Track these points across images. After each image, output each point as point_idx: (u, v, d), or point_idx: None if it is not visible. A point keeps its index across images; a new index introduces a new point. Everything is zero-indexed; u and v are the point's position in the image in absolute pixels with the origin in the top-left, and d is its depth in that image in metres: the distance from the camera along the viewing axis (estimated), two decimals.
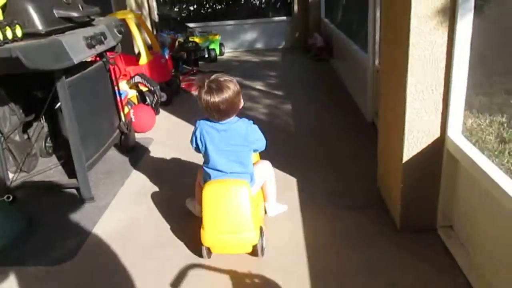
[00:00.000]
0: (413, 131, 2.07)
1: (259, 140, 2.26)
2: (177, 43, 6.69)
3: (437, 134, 2.07)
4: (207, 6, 8.93)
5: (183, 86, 5.54)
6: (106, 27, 3.07)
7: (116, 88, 3.41)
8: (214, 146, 2.16)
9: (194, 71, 6.28)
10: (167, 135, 3.93)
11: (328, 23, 6.89)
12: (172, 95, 4.98)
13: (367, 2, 3.66)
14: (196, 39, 7.00)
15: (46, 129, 3.48)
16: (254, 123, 2.24)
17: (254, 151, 2.29)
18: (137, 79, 4.23)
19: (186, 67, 6.71)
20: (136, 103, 4.31)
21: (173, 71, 5.88)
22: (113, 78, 3.37)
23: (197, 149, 2.27)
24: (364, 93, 3.90)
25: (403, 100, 2.03)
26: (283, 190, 2.65)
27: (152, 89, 4.18)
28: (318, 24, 7.60)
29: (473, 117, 3.59)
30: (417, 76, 1.96)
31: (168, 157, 3.43)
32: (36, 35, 2.45)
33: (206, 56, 7.28)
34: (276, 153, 3.33)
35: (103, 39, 2.89)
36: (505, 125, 3.42)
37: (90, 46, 2.71)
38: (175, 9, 8.94)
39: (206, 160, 2.22)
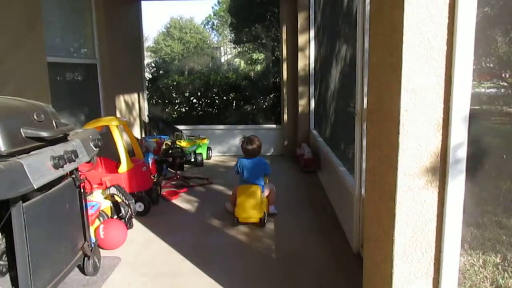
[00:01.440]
0: None
1: (268, 169, 4.59)
2: (163, 145, 6.61)
3: None
4: (199, 109, 9.04)
5: (164, 194, 5.33)
6: (80, 142, 2.92)
7: (84, 205, 3.17)
8: (246, 171, 4.47)
9: (178, 177, 6.11)
10: (137, 254, 3.62)
11: (316, 136, 6.90)
12: (151, 205, 4.75)
13: (354, 124, 3.59)
14: (184, 143, 6.94)
15: (2, 245, 3.17)
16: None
17: (265, 174, 4.61)
18: (112, 190, 4.02)
19: (170, 170, 6.58)
20: (110, 214, 4.06)
21: (155, 176, 5.72)
22: (83, 194, 3.16)
23: (237, 172, 4.60)
24: (351, 220, 3.69)
25: (389, 261, 1.82)
26: None
27: (127, 202, 3.95)
28: (307, 134, 7.64)
29: (465, 254, 3.36)
30: (405, 237, 1.76)
31: (133, 285, 3.10)
32: None
33: (193, 160, 7.19)
34: (253, 285, 3.04)
35: (73, 157, 2.71)
36: (500, 267, 3.19)
37: (57, 167, 2.52)
38: (166, 110, 9.04)
39: (241, 178, 4.53)
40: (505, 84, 2.58)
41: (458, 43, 1.60)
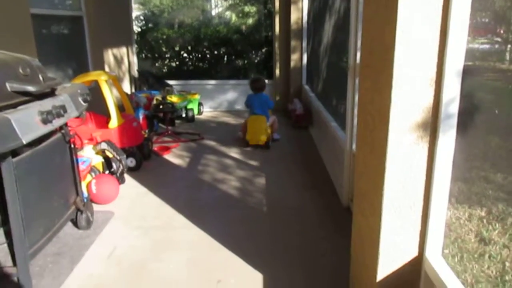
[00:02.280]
0: (388, 248, 1.86)
1: (270, 104, 5.77)
2: (154, 101, 6.54)
3: (414, 253, 1.87)
4: (189, 63, 8.88)
5: (155, 149, 5.33)
6: (69, 97, 2.87)
7: (75, 160, 3.16)
8: (253, 104, 5.66)
9: (169, 132, 6.08)
10: (129, 209, 3.66)
11: (308, 91, 6.86)
12: (142, 160, 4.75)
13: (347, 80, 3.56)
14: (174, 98, 6.87)
15: None
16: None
17: (268, 107, 5.73)
18: (103, 145, 4.00)
19: (162, 125, 6.55)
20: (101, 170, 4.06)
21: (147, 131, 5.70)
22: (73, 149, 3.14)
23: (246, 106, 5.91)
24: (341, 175, 3.73)
25: (378, 214, 1.85)
26: None
27: (118, 158, 3.95)
28: (299, 90, 7.59)
29: (451, 208, 3.43)
30: (394, 190, 1.79)
31: (126, 237, 3.15)
32: None
33: (184, 115, 7.14)
34: (245, 239, 3.10)
35: (62, 112, 2.67)
36: (485, 220, 3.27)
37: (46, 122, 2.49)
38: (156, 65, 8.87)
39: (250, 110, 5.74)
40: (500, 39, 2.54)
41: None
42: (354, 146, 3.47)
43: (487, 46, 2.63)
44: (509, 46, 2.46)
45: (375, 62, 1.90)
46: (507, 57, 2.53)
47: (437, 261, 1.80)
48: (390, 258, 1.88)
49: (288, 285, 2.57)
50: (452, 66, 1.62)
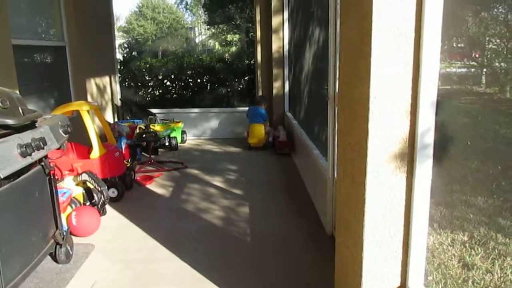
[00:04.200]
0: (371, 279, 1.87)
1: (264, 116, 7.11)
2: (137, 130, 6.52)
3: (397, 283, 1.88)
4: (173, 92, 8.92)
5: (138, 179, 5.28)
6: (49, 129, 2.86)
7: (55, 192, 3.11)
8: (251, 115, 7.18)
9: (152, 161, 6.05)
10: (111, 241, 3.59)
11: (291, 118, 6.93)
12: (124, 190, 4.70)
13: (327, 108, 3.61)
14: (157, 127, 6.86)
15: None
16: None
17: (263, 119, 7.12)
18: (84, 176, 3.95)
19: (145, 154, 6.51)
20: (82, 201, 4.00)
21: (129, 161, 5.65)
22: (53, 181, 3.09)
23: (247, 116, 7.30)
24: (324, 203, 3.74)
25: (360, 245, 1.85)
26: None
27: (99, 189, 3.90)
28: (282, 117, 7.66)
29: (434, 233, 3.45)
30: (375, 221, 1.80)
31: (107, 271, 3.08)
32: None
33: (167, 144, 7.12)
34: (228, 271, 3.06)
35: (42, 145, 2.65)
36: (467, 245, 3.30)
37: (25, 155, 2.47)
38: (139, 94, 8.89)
39: (249, 120, 7.17)
40: (475, 64, 2.62)
41: (425, 29, 1.61)
42: (336, 175, 3.50)
43: (463, 70, 2.71)
44: (484, 70, 2.54)
45: (352, 94, 1.94)
46: (483, 81, 2.61)
47: None
48: None
49: None
50: (426, 97, 1.67)
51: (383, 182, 1.76)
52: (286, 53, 7.42)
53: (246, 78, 8.90)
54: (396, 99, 1.69)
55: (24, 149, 2.45)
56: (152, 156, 6.25)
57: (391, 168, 1.75)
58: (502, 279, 2.64)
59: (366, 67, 1.69)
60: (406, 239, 1.83)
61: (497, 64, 2.42)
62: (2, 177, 2.22)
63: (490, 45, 2.42)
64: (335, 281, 2.44)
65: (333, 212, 3.53)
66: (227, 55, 9.49)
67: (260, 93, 8.10)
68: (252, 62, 8.81)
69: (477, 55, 2.59)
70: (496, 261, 2.77)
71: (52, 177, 3.07)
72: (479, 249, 3.05)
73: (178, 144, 7.31)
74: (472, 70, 2.69)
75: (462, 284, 2.82)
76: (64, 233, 3.18)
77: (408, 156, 1.75)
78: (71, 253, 3.23)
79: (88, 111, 4.48)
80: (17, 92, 2.91)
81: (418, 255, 1.83)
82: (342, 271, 2.28)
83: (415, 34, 1.65)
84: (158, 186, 5.16)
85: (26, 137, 2.56)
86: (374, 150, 1.73)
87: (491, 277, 2.72)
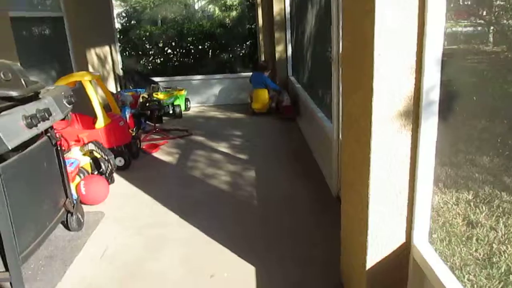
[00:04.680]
0: (377, 236, 1.90)
1: (267, 81, 7.05)
2: (140, 99, 6.51)
3: (402, 240, 1.91)
4: (174, 59, 8.84)
5: (144, 147, 5.32)
6: (53, 100, 2.85)
7: (63, 163, 3.15)
8: (253, 81, 7.20)
9: (157, 130, 6.07)
10: (120, 208, 3.65)
11: (294, 82, 6.88)
12: (131, 159, 4.74)
13: (331, 70, 3.58)
14: (161, 96, 6.84)
15: None
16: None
17: (268, 86, 7.08)
18: (91, 146, 3.98)
19: (149, 123, 6.52)
20: (90, 170, 4.05)
21: (134, 130, 5.67)
22: (61, 152, 3.12)
23: (250, 81, 7.26)
24: (329, 165, 3.76)
25: (365, 203, 1.88)
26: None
27: (106, 158, 3.93)
28: (286, 81, 7.60)
29: (439, 192, 3.48)
30: (380, 179, 1.81)
31: (118, 237, 3.15)
32: None
33: (171, 112, 7.12)
34: (236, 233, 3.12)
35: (47, 115, 2.66)
36: (472, 204, 3.32)
37: (31, 126, 2.48)
38: (141, 63, 8.81)
39: (252, 85, 7.21)
40: (482, 22, 2.57)
41: None
42: (341, 136, 3.50)
43: (470, 29, 2.65)
44: (491, 28, 2.48)
45: (356, 52, 1.92)
46: (490, 39, 2.56)
47: (424, 247, 1.83)
48: (379, 246, 1.91)
49: (281, 276, 2.60)
50: (431, 53, 1.64)
51: (388, 141, 1.76)
52: (288, 15, 7.28)
53: (247, 43, 8.79)
54: (401, 55, 1.67)
55: (30, 120, 2.45)
56: (157, 124, 6.26)
57: (396, 126, 1.75)
58: (506, 236, 2.66)
59: (370, 23, 1.66)
60: (411, 196, 1.85)
61: (505, 21, 2.37)
62: (10, 148, 2.24)
63: (498, 1, 2.36)
64: (341, 240, 2.48)
65: (339, 174, 3.56)
66: (227, 20, 9.29)
67: (262, 58, 8.01)
68: (253, 26, 8.67)
69: (484, 13, 2.53)
70: (500, 219, 2.79)
71: (59, 147, 3.09)
72: (484, 207, 3.07)
73: (182, 112, 7.31)
74: (479, 28, 2.63)
75: (466, 241, 2.87)
76: (74, 202, 3.24)
77: (413, 114, 1.74)
78: (82, 221, 3.30)
79: (90, 81, 4.46)
80: (18, 64, 2.89)
81: (423, 212, 1.84)
82: (348, 230, 2.32)
83: None
84: (164, 153, 5.19)
85: (31, 108, 2.56)
86: (379, 108, 1.72)
87: (495, 234, 2.75)
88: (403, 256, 1.92)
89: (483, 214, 2.99)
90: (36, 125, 2.53)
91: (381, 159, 1.78)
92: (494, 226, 2.80)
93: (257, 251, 2.87)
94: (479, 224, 2.96)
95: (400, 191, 1.84)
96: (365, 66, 1.79)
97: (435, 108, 1.71)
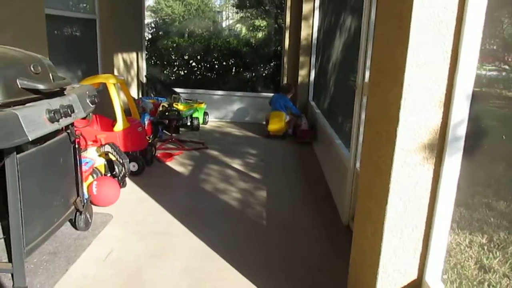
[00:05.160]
0: (388, 270, 1.85)
1: (288, 104, 7.01)
2: (160, 107, 6.56)
3: (414, 276, 1.86)
4: (198, 73, 8.93)
5: (158, 155, 5.33)
6: (77, 98, 2.88)
7: (78, 161, 3.16)
8: (274, 102, 7.08)
9: (173, 139, 6.09)
10: (129, 213, 3.64)
11: (314, 107, 6.87)
12: (144, 165, 4.76)
13: (354, 99, 3.57)
14: (181, 107, 6.89)
15: None
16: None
17: (286, 107, 6.99)
18: (107, 148, 4.00)
19: (166, 132, 6.56)
20: (103, 172, 4.06)
21: (151, 137, 5.71)
22: (78, 150, 3.14)
23: (270, 103, 7.16)
24: (343, 193, 3.72)
25: (379, 235, 1.83)
26: None
27: (121, 161, 3.95)
28: (306, 105, 7.60)
29: (452, 233, 3.40)
30: (397, 211, 1.78)
31: (124, 241, 3.14)
32: None
33: (189, 124, 7.16)
34: (242, 252, 3.08)
35: (69, 112, 2.68)
36: (485, 248, 3.23)
37: (53, 120, 2.49)
38: (165, 72, 8.92)
39: (272, 107, 7.04)
40: (507, 67, 2.54)
41: (468, 19, 1.57)
42: (358, 165, 3.46)
43: (494, 73, 2.63)
44: None
45: (385, 81, 1.91)
46: None
47: (436, 285, 1.78)
48: (389, 279, 1.86)
49: None
50: (462, 88, 1.63)
51: (409, 172, 1.73)
52: (314, 41, 7.33)
53: (271, 64, 8.84)
54: (431, 87, 1.65)
55: (53, 114, 2.48)
56: (174, 134, 6.29)
57: (419, 159, 1.72)
58: None
59: (402, 53, 1.66)
60: (427, 232, 1.80)
61: None
62: (30, 139, 2.25)
63: None
64: (349, 270, 2.43)
65: (352, 203, 3.51)
66: (253, 40, 9.40)
67: (285, 80, 8.05)
68: (278, 48, 8.74)
69: (510, 59, 2.50)
70: None
71: (77, 145, 3.12)
72: (498, 252, 2.98)
73: (200, 125, 7.35)
74: (503, 74, 2.60)
75: (477, 285, 2.78)
76: (85, 201, 3.24)
77: (438, 148, 1.71)
78: (90, 221, 3.29)
79: (114, 85, 4.52)
80: (48, 59, 2.94)
81: (438, 249, 1.80)
82: (358, 261, 2.26)
83: (456, 23, 1.60)
84: (178, 164, 5.20)
85: (55, 103, 2.59)
86: (403, 138, 1.69)
87: (508, 282, 2.66)
88: None
89: (497, 259, 2.91)
90: (58, 120, 2.55)
91: (400, 190, 1.75)
92: (507, 273, 2.72)
93: (262, 274, 2.81)
94: (492, 270, 2.87)
95: (416, 225, 1.80)
96: (392, 94, 1.77)
97: (461, 144, 1.68)
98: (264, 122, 7.33)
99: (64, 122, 2.65)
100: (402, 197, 1.76)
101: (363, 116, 3.38)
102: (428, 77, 1.64)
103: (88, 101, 3.07)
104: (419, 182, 1.75)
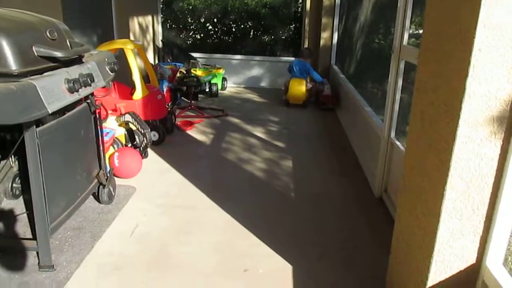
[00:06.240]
0: (444, 253, 1.69)
1: (310, 71, 6.53)
2: (178, 73, 6.36)
3: (472, 260, 1.69)
4: (215, 36, 8.63)
5: (178, 123, 5.18)
6: (96, 65, 2.70)
7: (100, 132, 3.02)
8: (294, 68, 6.53)
9: (192, 106, 5.91)
10: (152, 185, 3.53)
11: (338, 72, 6.59)
12: (165, 134, 4.61)
13: (389, 62, 3.32)
14: (199, 72, 6.68)
15: (15, 168, 3.08)
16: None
17: (308, 74, 6.55)
18: (127, 117, 3.85)
19: (184, 99, 6.39)
20: (124, 142, 3.93)
21: (170, 104, 5.54)
22: (99, 120, 2.99)
23: (289, 70, 6.67)
24: (374, 164, 3.53)
25: (435, 215, 1.66)
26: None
27: (142, 131, 3.80)
28: (328, 70, 7.32)
29: None
30: (457, 191, 1.59)
31: (149, 215, 3.03)
32: (7, 75, 2.07)
33: (207, 90, 6.96)
34: (272, 227, 2.95)
35: (89, 81, 2.51)
36: None
37: (72, 91, 2.33)
38: (181, 36, 8.64)
39: (292, 74, 6.54)
40: None
41: None
42: (392, 134, 3.26)
43: None
44: None
45: (444, 45, 1.68)
46: None
47: (498, 270, 1.62)
48: (444, 264, 1.71)
49: (319, 277, 2.42)
50: None
51: (473, 149, 1.54)
52: (338, 1, 6.96)
53: (291, 26, 8.48)
54: (504, 53, 1.43)
55: (72, 84, 2.31)
56: (193, 101, 6.11)
57: (485, 134, 1.52)
58: None
59: (471, 12, 1.43)
60: (490, 213, 1.62)
61: None
62: (50, 112, 2.10)
63: None
64: (391, 250, 2.27)
65: (385, 174, 3.33)
66: (273, 0, 8.99)
67: (306, 44, 7.73)
68: (299, 9, 8.36)
69: None
70: None
71: (97, 116, 2.97)
72: None
73: (219, 91, 7.15)
74: None
75: None
76: (108, 174, 3.12)
77: (508, 122, 1.50)
78: (113, 194, 3.19)
79: (132, 50, 4.32)
80: (64, 23, 2.74)
81: (502, 232, 1.62)
82: (403, 241, 2.10)
83: None
84: (199, 132, 5.05)
85: (74, 72, 2.42)
86: (469, 111, 1.49)
87: None
88: (471, 278, 1.71)
89: None
90: (77, 90, 2.39)
91: (462, 168, 1.56)
92: None
93: (294, 249, 2.69)
94: None
95: (478, 206, 1.61)
96: (455, 62, 1.56)
97: None
98: (283, 88, 6.94)
99: (84, 92, 2.49)
100: (464, 176, 1.57)
101: (400, 82, 3.15)
102: (502, 40, 1.42)
103: (107, 68, 2.89)
104: (484, 159, 1.55)
